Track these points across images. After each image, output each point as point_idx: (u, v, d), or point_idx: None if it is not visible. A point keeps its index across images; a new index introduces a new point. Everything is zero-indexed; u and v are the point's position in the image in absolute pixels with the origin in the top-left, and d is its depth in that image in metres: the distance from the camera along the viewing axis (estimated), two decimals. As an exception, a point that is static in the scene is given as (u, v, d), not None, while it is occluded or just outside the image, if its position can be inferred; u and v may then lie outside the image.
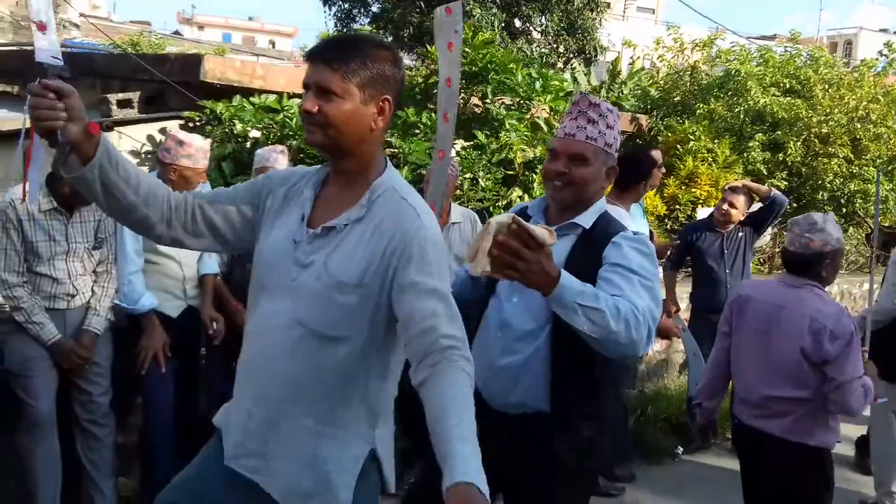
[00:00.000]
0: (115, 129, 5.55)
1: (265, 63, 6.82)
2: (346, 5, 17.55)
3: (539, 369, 2.22)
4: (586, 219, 2.26)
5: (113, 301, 3.46)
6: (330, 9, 17.52)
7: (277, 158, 3.92)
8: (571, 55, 17.18)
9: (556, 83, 6.45)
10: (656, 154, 4.52)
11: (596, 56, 17.33)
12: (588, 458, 2.28)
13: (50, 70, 1.74)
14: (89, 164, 1.65)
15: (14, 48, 7.94)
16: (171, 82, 5.23)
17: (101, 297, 3.41)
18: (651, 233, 6.71)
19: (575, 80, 15.75)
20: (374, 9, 17.53)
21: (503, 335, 2.27)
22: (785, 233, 3.12)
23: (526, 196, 5.91)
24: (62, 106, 1.59)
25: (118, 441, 3.63)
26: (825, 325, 2.86)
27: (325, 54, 1.76)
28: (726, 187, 5.47)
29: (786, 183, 9.06)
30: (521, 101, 6.32)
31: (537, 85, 6.29)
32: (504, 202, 5.83)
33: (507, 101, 6.43)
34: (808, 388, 2.93)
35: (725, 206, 5.22)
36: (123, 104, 5.51)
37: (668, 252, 5.39)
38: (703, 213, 7.17)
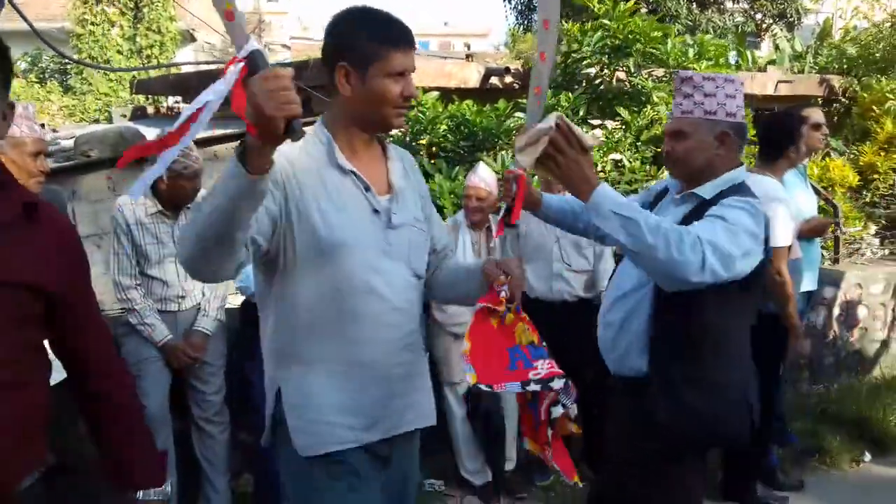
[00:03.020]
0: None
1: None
2: (524, -4, 17.42)
3: (637, 328, 2.28)
4: (706, 190, 2.27)
5: (224, 301, 3.54)
6: (510, 3, 17.50)
7: None
8: (772, 21, 16.02)
9: (713, 48, 5.87)
10: (809, 111, 3.93)
11: (799, 19, 16.03)
12: (687, 425, 2.21)
13: (260, 60, 1.48)
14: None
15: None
16: (305, 88, 5.29)
17: (210, 298, 3.49)
18: (835, 207, 5.93)
19: (777, 47, 14.48)
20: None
21: (608, 294, 2.46)
22: None
23: (679, 174, 5.42)
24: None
25: (241, 439, 3.72)
26: None
27: (410, 39, 1.86)
28: None
29: None
30: (673, 72, 5.83)
31: (690, 53, 5.76)
32: (654, 183, 5.38)
33: (660, 73, 5.95)
34: None
35: None
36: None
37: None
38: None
